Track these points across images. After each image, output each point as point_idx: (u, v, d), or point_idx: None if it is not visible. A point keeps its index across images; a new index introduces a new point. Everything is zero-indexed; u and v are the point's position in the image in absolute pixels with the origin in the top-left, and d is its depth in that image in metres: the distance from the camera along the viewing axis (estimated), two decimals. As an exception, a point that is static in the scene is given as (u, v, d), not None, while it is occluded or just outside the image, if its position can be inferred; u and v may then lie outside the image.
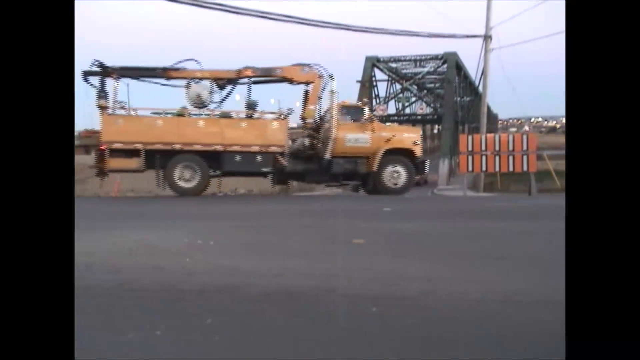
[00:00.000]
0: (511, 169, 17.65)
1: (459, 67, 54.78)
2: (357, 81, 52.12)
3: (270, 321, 3.40)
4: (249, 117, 15.76)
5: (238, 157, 15.02)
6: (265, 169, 15.31)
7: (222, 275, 4.57)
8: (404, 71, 55.74)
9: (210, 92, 15.62)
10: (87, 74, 15.48)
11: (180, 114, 15.63)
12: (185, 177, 14.94)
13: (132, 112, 15.55)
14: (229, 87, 15.93)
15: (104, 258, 5.29)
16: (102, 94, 15.42)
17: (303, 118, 16.30)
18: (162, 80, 15.88)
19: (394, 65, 55.68)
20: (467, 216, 9.45)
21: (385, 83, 58.86)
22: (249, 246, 6.04)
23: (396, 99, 59.96)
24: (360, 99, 35.66)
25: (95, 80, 15.45)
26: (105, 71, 15.53)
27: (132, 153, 14.87)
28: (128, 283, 4.37)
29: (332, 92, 15.99)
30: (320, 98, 16.27)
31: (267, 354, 2.90)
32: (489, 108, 35.04)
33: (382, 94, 58.03)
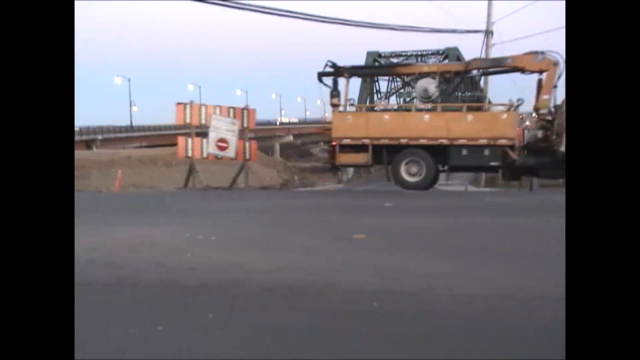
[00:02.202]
0: None
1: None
2: (359, 76, 52.20)
3: (271, 316, 3.41)
4: (476, 109, 15.49)
5: (464, 151, 14.66)
6: (493, 163, 14.76)
7: (223, 271, 4.58)
8: (406, 66, 55.57)
9: (437, 86, 15.43)
10: (321, 75, 16.06)
11: (406, 109, 15.67)
12: (411, 171, 14.87)
13: (361, 109, 15.96)
14: (456, 80, 15.82)
15: (105, 253, 5.30)
16: (334, 92, 15.89)
17: (536, 109, 15.88)
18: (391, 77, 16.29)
19: (395, 60, 55.57)
20: (468, 212, 9.45)
21: (386, 78, 58.77)
22: (250, 241, 6.04)
23: (397, 94, 59.99)
24: (361, 94, 35.58)
25: (328, 80, 16.06)
26: (337, 71, 15.97)
27: (361, 148, 15.10)
28: (129, 278, 4.38)
29: None
30: (555, 87, 15.86)
31: (268, 349, 2.91)
32: (490, 103, 34.98)
33: (383, 89, 57.91)
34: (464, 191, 19.47)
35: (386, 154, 14.97)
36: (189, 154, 16.44)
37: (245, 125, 17.28)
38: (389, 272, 4.45)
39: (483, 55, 27.18)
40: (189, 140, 16.55)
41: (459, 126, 14.73)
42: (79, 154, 30.66)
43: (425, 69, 15.96)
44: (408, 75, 16.09)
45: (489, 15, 27.26)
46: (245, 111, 17.35)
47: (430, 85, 15.49)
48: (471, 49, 37.20)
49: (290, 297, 3.83)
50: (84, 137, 49.55)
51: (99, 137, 51.84)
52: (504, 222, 7.67)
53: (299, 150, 62.45)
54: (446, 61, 53.12)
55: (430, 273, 4.39)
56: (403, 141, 14.84)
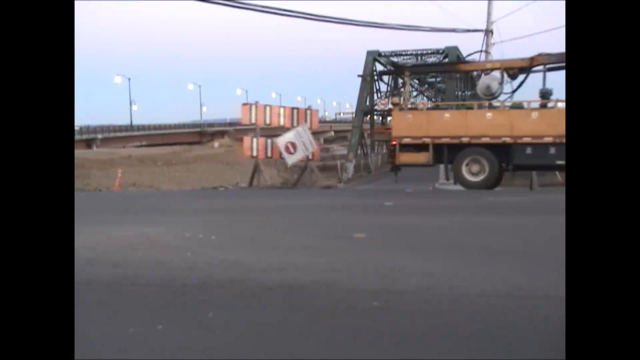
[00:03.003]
0: None
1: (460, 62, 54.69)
2: (358, 75, 52.30)
3: (271, 315, 3.41)
4: (541, 106, 14.97)
5: (529, 150, 14.26)
6: (559, 162, 14.17)
7: (223, 270, 4.58)
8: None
9: (500, 83, 15.12)
10: (381, 74, 15.78)
11: (468, 107, 15.29)
12: (472, 170, 14.54)
13: (421, 107, 15.68)
14: (521, 77, 15.38)
15: (105, 252, 5.30)
16: (395, 91, 15.58)
17: None
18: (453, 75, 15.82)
19: (395, 59, 55.54)
20: (468, 211, 9.44)
21: (386, 77, 58.83)
22: (250, 241, 6.04)
23: (397, 93, 60.13)
24: (361, 93, 35.55)
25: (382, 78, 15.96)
26: (397, 70, 15.68)
27: (421, 147, 14.87)
28: (129, 277, 4.38)
29: None
30: None
31: (268, 348, 2.91)
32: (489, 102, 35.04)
33: (383, 88, 57.96)
34: (463, 190, 19.43)
35: (447, 153, 14.68)
36: (254, 154, 16.61)
37: (308, 125, 17.39)
38: (389, 271, 4.45)
39: (483, 54, 27.11)
40: (254, 140, 16.72)
41: (523, 124, 14.27)
42: (79, 153, 30.71)
43: (489, 66, 15.62)
44: (470, 72, 15.62)
45: (489, 14, 27.21)
46: (308, 112, 17.47)
47: (493, 82, 15.12)
48: (471, 48, 37.14)
49: (290, 296, 3.83)
50: (84, 136, 49.60)
51: (99, 136, 51.89)
52: (505, 222, 7.67)
53: (299, 150, 62.31)
54: (446, 60, 53.08)
55: (431, 272, 4.39)
56: (465, 140, 14.49)
